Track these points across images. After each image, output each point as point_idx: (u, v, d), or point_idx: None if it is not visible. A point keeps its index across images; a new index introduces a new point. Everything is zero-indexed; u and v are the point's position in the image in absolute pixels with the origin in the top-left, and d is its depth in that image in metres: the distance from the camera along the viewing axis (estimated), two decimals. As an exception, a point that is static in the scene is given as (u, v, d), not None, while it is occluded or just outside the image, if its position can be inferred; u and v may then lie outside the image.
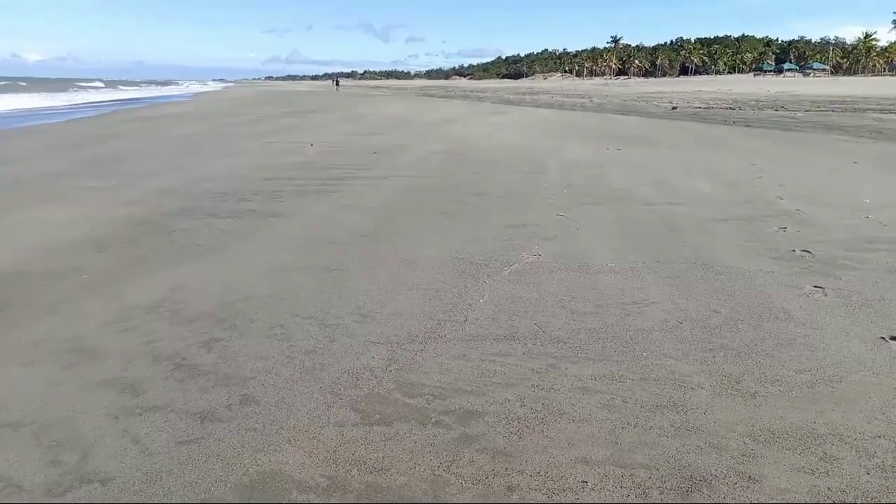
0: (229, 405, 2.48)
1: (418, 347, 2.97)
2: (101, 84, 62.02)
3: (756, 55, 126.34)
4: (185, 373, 2.76)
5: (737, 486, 1.97)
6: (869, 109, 20.08)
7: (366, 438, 2.25)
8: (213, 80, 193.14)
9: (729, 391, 2.54)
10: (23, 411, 2.45)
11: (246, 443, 2.23)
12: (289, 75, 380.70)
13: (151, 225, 5.46)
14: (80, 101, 30.48)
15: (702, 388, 2.57)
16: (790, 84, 44.15)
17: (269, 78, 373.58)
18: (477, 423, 2.33)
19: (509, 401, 2.48)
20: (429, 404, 2.46)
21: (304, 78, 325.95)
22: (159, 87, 77.25)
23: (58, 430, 2.33)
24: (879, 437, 2.21)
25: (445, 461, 2.11)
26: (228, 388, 2.62)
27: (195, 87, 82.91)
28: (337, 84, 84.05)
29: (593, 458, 2.12)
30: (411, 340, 3.06)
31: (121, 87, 63.45)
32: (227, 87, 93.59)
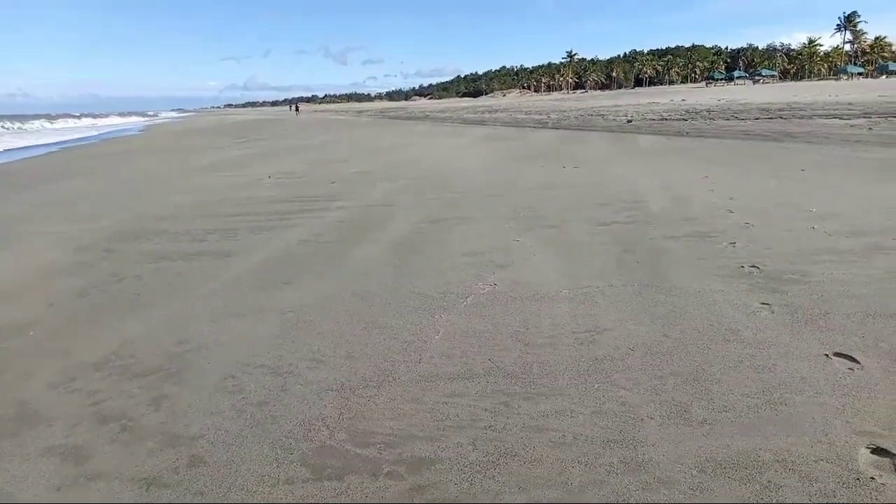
0: (176, 468, 2.43)
1: (371, 392, 2.95)
2: (49, 120, 60.02)
3: (707, 64, 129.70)
4: (132, 435, 2.69)
5: (683, 522, 1.99)
6: (815, 115, 20.72)
7: (316, 495, 2.22)
8: (172, 111, 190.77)
9: (678, 421, 2.57)
10: (-41, 489, 2.36)
11: (193, 509, 2.19)
12: (248, 102, 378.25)
13: (103, 272, 5.34)
14: (23, 142, 29.41)
15: (651, 418, 2.60)
16: (740, 92, 45.37)
17: (229, 105, 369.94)
18: (429, 471, 2.31)
19: (462, 445, 2.48)
20: (381, 454, 2.44)
21: (263, 104, 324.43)
22: (114, 118, 75.84)
23: (-5, 507, 2.25)
24: (821, 460, 2.26)
25: (396, 515, 2.10)
26: (176, 449, 2.56)
27: (152, 119, 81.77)
28: (297, 109, 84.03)
29: (543, 501, 2.12)
30: (365, 385, 3.03)
31: (72, 120, 61.84)
32: (184, 117, 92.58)
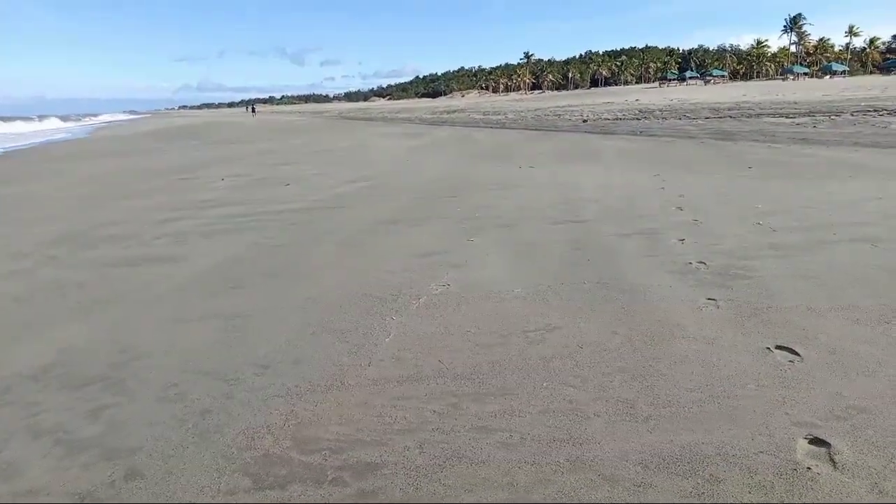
0: (113, 482, 2.34)
1: (318, 398, 2.90)
2: (7, 122, 56.86)
3: (660, 64, 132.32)
4: (67, 448, 2.58)
5: (626, 519, 2.00)
6: (762, 114, 21.34)
7: (258, 506, 2.16)
8: (124, 112, 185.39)
9: (623, 417, 2.59)
10: None
11: (128, 524, 2.11)
12: (203, 103, 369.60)
13: (42, 280, 5.15)
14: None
15: (598, 416, 2.61)
16: (692, 92, 46.52)
17: (184, 107, 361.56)
18: (374, 477, 2.28)
19: (409, 448, 2.45)
20: (326, 460, 2.39)
21: (219, 105, 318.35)
22: (60, 121, 72.82)
23: (-85, 531, 2.13)
24: (761, 452, 2.30)
25: (340, 523, 2.06)
26: (113, 462, 2.47)
27: (101, 120, 79.25)
28: (253, 111, 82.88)
29: (489, 502, 2.11)
30: (312, 391, 2.98)
31: (14, 122, 59.02)
32: (139, 119, 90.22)
